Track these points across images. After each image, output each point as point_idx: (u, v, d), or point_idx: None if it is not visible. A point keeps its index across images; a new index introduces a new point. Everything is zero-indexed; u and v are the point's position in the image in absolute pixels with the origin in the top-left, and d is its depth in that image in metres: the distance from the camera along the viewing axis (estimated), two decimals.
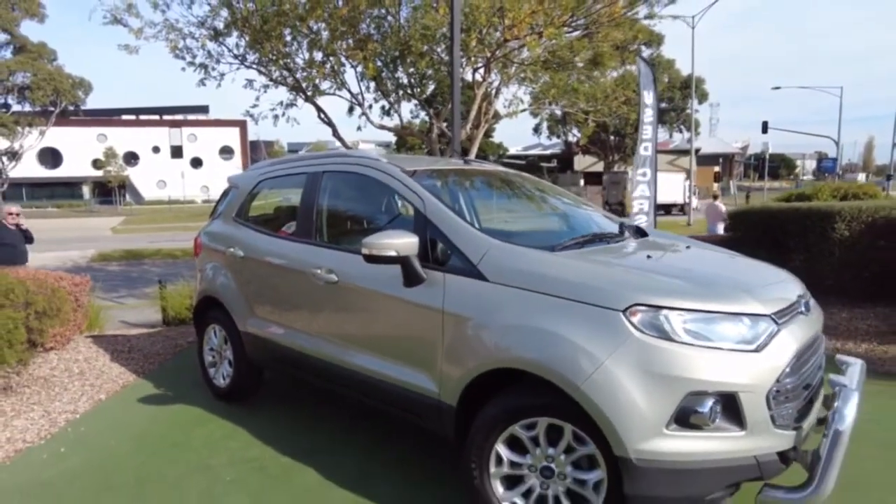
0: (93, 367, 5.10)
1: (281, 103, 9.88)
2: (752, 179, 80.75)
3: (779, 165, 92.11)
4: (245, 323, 3.84)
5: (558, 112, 17.10)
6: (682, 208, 30.46)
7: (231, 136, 59.94)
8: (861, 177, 62.51)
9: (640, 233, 3.35)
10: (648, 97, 10.21)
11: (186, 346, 5.86)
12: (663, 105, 37.12)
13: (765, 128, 38.67)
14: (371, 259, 2.61)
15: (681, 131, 43.79)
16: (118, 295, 10.31)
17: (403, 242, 2.60)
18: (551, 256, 2.51)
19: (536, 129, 41.95)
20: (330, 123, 9.92)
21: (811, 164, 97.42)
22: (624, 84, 11.75)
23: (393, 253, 2.58)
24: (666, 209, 30.60)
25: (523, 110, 11.08)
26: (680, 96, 39.34)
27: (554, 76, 9.99)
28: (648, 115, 10.30)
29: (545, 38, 8.40)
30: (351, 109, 10.25)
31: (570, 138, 44.22)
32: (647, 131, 10.31)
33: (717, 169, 50.03)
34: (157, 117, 59.83)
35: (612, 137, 41.61)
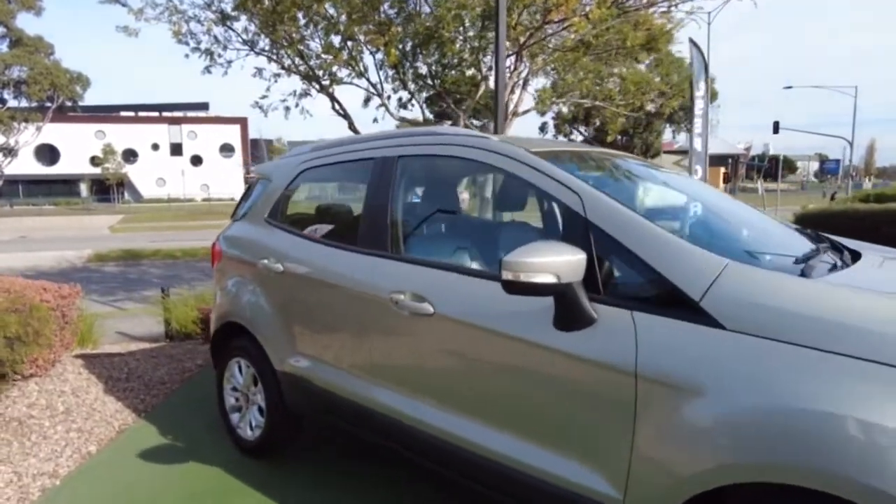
0: (82, 401, 4.13)
1: (294, 93, 8.99)
2: (756, 181, 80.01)
3: (782, 167, 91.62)
4: (283, 360, 2.87)
5: (564, 110, 16.23)
6: None
7: (231, 134, 58.99)
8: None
9: (835, 247, 2.37)
10: (701, 87, 9.33)
11: (196, 369, 4.91)
12: None
13: (776, 128, 38.02)
14: (514, 288, 1.64)
15: (688, 131, 42.94)
16: (116, 299, 9.36)
17: (566, 262, 1.62)
18: (821, 287, 1.55)
19: (542, 129, 40.97)
20: (346, 116, 8.99)
21: (813, 166, 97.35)
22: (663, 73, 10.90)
23: (551, 279, 1.61)
24: None
25: (553, 102, 10.19)
26: (688, 96, 38.46)
27: (588, 65, 9.07)
28: (700, 106, 9.44)
29: (592, 18, 7.50)
30: (367, 101, 9.33)
31: (577, 138, 43.34)
32: (697, 125, 9.45)
33: (724, 170, 49.34)
34: (156, 114, 58.76)
35: (620, 137, 40.75)
